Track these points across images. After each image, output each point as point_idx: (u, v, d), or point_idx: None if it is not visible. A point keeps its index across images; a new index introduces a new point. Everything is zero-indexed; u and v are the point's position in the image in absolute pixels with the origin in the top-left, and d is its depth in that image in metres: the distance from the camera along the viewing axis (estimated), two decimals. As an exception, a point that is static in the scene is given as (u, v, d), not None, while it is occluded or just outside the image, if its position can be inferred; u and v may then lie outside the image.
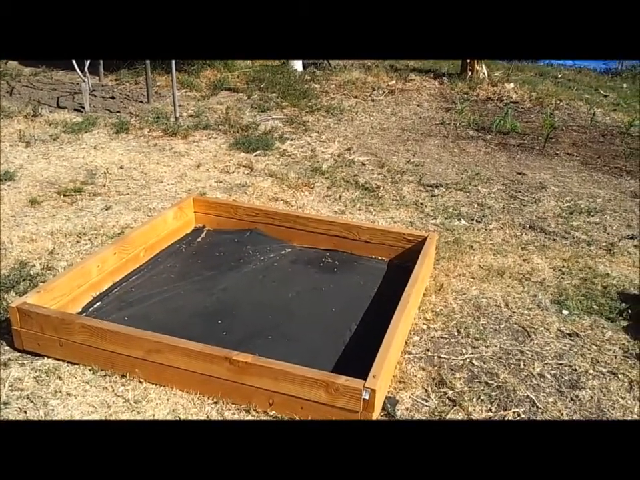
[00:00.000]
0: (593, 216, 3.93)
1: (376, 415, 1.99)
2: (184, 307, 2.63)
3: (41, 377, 2.17)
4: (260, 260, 3.08)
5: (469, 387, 2.26)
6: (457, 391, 2.23)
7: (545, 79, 7.76)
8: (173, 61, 5.47)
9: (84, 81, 5.55)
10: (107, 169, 4.23)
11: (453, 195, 4.19)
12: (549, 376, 2.36)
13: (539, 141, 5.43)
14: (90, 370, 2.20)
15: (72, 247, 3.13)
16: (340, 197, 4.03)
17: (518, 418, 2.13)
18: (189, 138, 5.02)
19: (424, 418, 2.09)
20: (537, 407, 2.18)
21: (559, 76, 8.01)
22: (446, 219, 3.77)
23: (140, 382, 2.16)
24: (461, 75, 7.33)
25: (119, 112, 5.61)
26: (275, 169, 4.47)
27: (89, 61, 5.65)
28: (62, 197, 3.76)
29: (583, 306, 2.83)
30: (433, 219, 3.77)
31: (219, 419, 2.02)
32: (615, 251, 3.43)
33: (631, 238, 3.62)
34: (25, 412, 2.00)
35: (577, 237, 3.61)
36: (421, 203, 4.00)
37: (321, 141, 5.21)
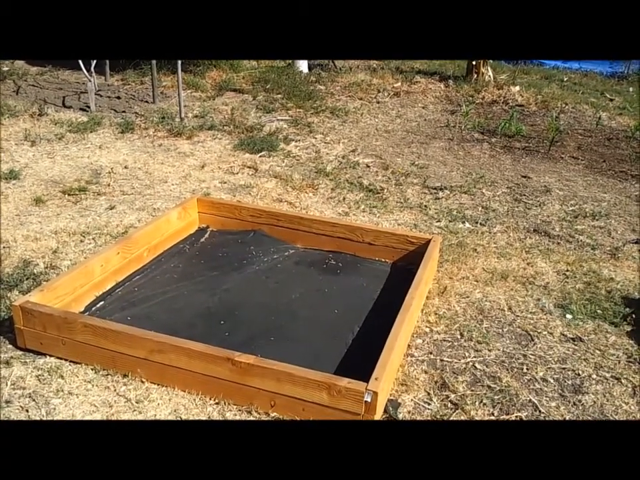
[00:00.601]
0: (597, 220, 3.91)
1: (378, 417, 1.98)
2: (187, 307, 2.63)
3: (43, 375, 2.17)
4: (263, 261, 3.08)
5: (472, 391, 2.25)
6: (459, 394, 2.23)
7: (551, 82, 7.73)
8: (179, 62, 5.48)
9: (90, 81, 5.57)
10: (111, 168, 4.24)
11: (457, 197, 4.18)
12: (551, 380, 2.35)
13: (544, 144, 5.41)
14: (92, 369, 2.21)
15: (76, 246, 3.13)
16: (344, 198, 4.03)
17: (520, 422, 2.12)
18: (194, 138, 5.03)
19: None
20: (540, 411, 2.17)
21: (565, 79, 7.98)
22: (450, 221, 3.76)
23: (142, 382, 2.16)
24: (466, 78, 7.31)
25: (124, 112, 5.62)
26: (279, 170, 4.47)
27: (95, 61, 5.67)
28: (66, 196, 3.77)
29: (587, 310, 2.82)
30: (437, 222, 3.76)
31: (220, 419, 2.02)
32: (619, 255, 3.41)
33: (636, 242, 3.60)
34: (27, 410, 2.00)
35: (581, 240, 3.59)
36: (425, 206, 3.99)
37: (325, 143, 5.20)
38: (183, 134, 5.05)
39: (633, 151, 5.36)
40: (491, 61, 7.46)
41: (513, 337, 2.62)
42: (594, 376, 2.39)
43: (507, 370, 2.39)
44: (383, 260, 3.12)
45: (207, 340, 2.20)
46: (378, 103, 6.61)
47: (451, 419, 2.10)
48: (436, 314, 2.73)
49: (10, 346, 2.33)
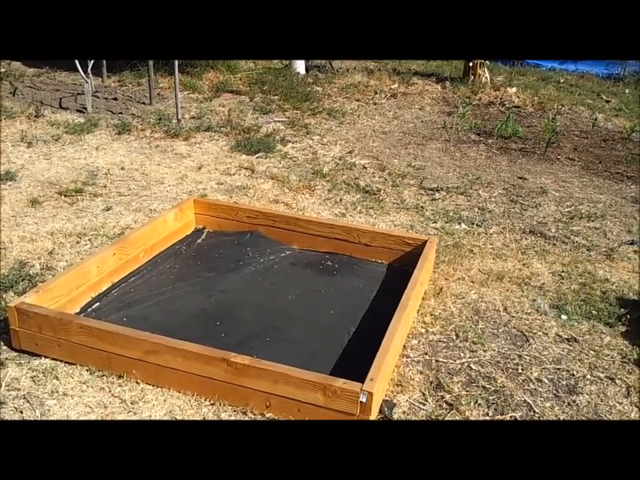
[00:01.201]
0: (593, 221, 3.92)
1: (373, 418, 1.98)
2: (183, 308, 2.63)
3: (37, 376, 2.17)
4: (260, 262, 3.08)
5: (467, 391, 2.26)
6: (454, 394, 2.23)
7: (547, 84, 7.75)
8: (176, 63, 5.48)
9: (87, 82, 5.57)
10: (108, 169, 4.24)
11: (453, 198, 4.19)
12: (546, 381, 2.35)
13: (540, 146, 5.43)
14: (87, 370, 2.21)
15: (72, 247, 3.13)
16: (341, 199, 4.04)
17: (515, 423, 2.12)
18: (191, 140, 5.03)
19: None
20: (534, 411, 2.18)
21: (561, 81, 8.00)
22: (446, 222, 3.77)
23: (137, 383, 2.16)
24: (463, 79, 7.33)
25: (121, 113, 5.62)
26: (276, 171, 4.47)
27: (92, 62, 5.66)
28: (63, 197, 3.77)
29: (582, 311, 2.83)
30: (433, 223, 3.77)
31: (215, 419, 2.02)
32: (614, 256, 3.42)
33: (631, 243, 3.61)
34: (21, 412, 2.00)
35: (577, 241, 3.60)
36: (422, 207, 4.00)
37: (322, 144, 5.21)
38: (180, 135, 5.05)
39: (628, 152, 5.37)
40: (488, 63, 7.48)
41: (508, 337, 2.62)
42: (588, 376, 2.39)
43: (502, 370, 2.40)
44: (379, 261, 3.13)
45: (203, 341, 2.20)
46: (375, 104, 6.62)
47: (446, 419, 2.11)
48: (432, 315, 2.73)
49: (5, 347, 2.32)
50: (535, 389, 2.30)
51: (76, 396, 2.09)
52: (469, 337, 2.59)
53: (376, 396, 1.94)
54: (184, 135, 5.05)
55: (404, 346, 2.49)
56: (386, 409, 2.09)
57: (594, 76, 8.50)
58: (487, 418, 2.13)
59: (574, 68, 8.78)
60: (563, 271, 3.21)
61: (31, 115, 5.24)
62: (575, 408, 2.21)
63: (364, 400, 1.89)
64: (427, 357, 2.45)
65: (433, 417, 2.11)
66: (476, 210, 4.01)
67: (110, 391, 2.12)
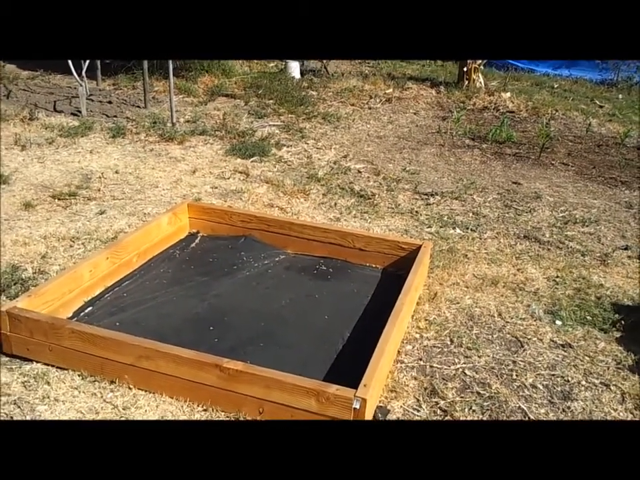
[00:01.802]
0: (587, 226, 3.93)
1: (367, 424, 1.97)
2: (176, 313, 2.61)
3: (29, 382, 2.15)
4: (254, 266, 3.07)
5: (461, 397, 2.25)
6: (448, 400, 2.22)
7: (541, 89, 7.79)
8: (171, 66, 5.47)
9: (81, 85, 5.55)
10: (102, 173, 4.22)
11: (448, 203, 4.19)
12: (541, 387, 2.35)
13: (534, 151, 5.44)
14: (79, 375, 2.19)
15: (65, 251, 3.11)
16: (335, 204, 4.03)
17: (509, 429, 2.12)
18: (186, 143, 5.02)
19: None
20: (529, 418, 2.17)
21: (556, 86, 8.04)
22: (441, 227, 3.77)
23: (129, 388, 2.14)
24: (457, 84, 7.36)
25: (115, 116, 5.61)
26: (270, 175, 4.46)
27: (86, 65, 5.64)
28: (56, 200, 3.74)
29: (577, 316, 2.83)
30: (427, 227, 3.76)
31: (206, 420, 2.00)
32: (609, 261, 3.43)
33: (625, 249, 3.62)
34: (12, 417, 1.98)
35: (571, 247, 3.61)
36: (416, 211, 4.00)
37: (317, 148, 5.21)
38: (175, 139, 5.04)
39: (622, 157, 5.40)
40: (482, 68, 7.50)
41: (503, 343, 2.62)
42: (583, 382, 2.39)
43: (497, 376, 2.39)
44: (374, 266, 3.12)
45: (196, 346, 2.19)
46: (370, 108, 6.63)
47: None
48: (426, 320, 2.73)
49: (-4, 352, 2.30)
50: (530, 395, 2.29)
51: (67, 401, 2.07)
52: (464, 342, 2.58)
53: (370, 402, 1.93)
54: (179, 139, 5.04)
55: (398, 351, 2.48)
56: (380, 415, 2.08)
57: (587, 81, 8.54)
58: (482, 424, 2.12)
59: (568, 73, 8.82)
60: (557, 276, 3.21)
61: (25, 117, 5.22)
62: (569, 414, 2.20)
63: (357, 406, 1.88)
64: (422, 363, 2.44)
65: (427, 423, 2.10)
66: (470, 215, 4.01)
67: (102, 397, 2.10)
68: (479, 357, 2.50)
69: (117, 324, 2.47)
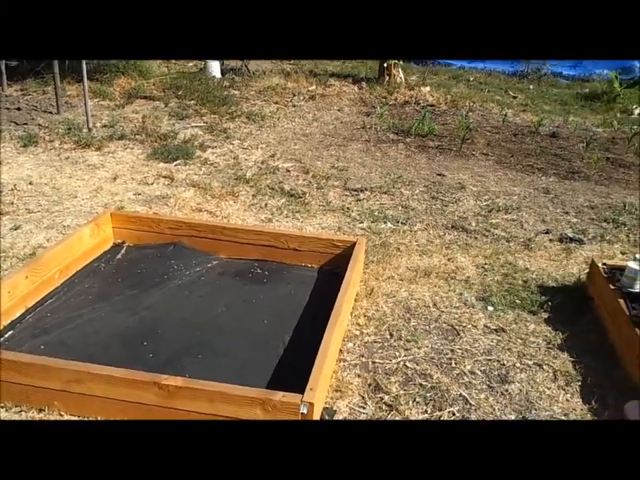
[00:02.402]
0: (510, 213, 4.09)
1: (314, 428, 1.94)
2: (105, 330, 2.48)
3: (-56, 419, 1.97)
4: (185, 275, 2.97)
5: (405, 390, 2.27)
6: (392, 395, 2.24)
7: (458, 82, 8.05)
8: (84, 69, 5.21)
9: (-16, 92, 5.18)
10: (14, 185, 3.95)
11: (377, 198, 4.23)
12: (479, 372, 2.41)
13: (455, 143, 5.61)
14: (2, 407, 2.02)
15: (-23, 272, 2.88)
16: (266, 204, 3.98)
17: (453, 417, 2.16)
18: (104, 149, 4.79)
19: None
20: (470, 404, 2.22)
21: (471, 79, 8.34)
22: (372, 222, 3.80)
23: (60, 415, 2.01)
24: (379, 80, 7.46)
25: (25, 124, 5.27)
26: (197, 178, 4.34)
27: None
28: (-37, 217, 3.47)
29: (507, 301, 2.93)
30: (359, 223, 3.79)
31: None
32: (532, 246, 3.58)
33: (546, 232, 3.79)
34: None
35: (496, 234, 3.74)
36: (348, 208, 4.01)
37: (243, 148, 5.12)
38: (92, 145, 4.80)
39: (537, 145, 5.67)
40: (402, 63, 7.65)
41: (440, 332, 2.67)
42: (518, 364, 2.47)
43: (437, 366, 2.43)
44: (310, 265, 3.10)
45: (130, 364, 2.08)
46: (294, 106, 6.60)
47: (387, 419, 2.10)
48: (365, 316, 2.74)
49: None
50: (469, 382, 2.35)
51: (-10, 436, 1.90)
52: (403, 335, 2.61)
53: (317, 405, 1.90)
54: (96, 145, 4.81)
55: (340, 350, 2.47)
56: (327, 417, 2.06)
57: (500, 73, 8.92)
58: (426, 415, 2.15)
59: (482, 66, 9.17)
60: (485, 264, 3.32)
61: None
62: (507, 397, 2.27)
63: (305, 411, 1.85)
64: (364, 359, 2.44)
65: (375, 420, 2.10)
66: (400, 208, 4.07)
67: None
68: (419, 348, 2.54)
69: (42, 347, 2.31)
